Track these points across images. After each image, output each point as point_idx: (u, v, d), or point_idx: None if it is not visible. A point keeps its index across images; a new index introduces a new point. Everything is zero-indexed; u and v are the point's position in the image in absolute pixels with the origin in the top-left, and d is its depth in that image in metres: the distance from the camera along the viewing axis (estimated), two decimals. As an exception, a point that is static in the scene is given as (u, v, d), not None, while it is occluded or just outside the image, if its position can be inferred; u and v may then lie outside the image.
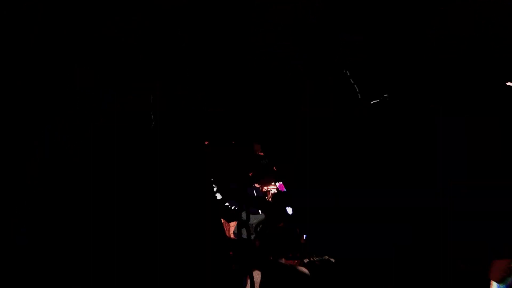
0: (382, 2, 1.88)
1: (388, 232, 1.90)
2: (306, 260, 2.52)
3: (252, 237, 2.75)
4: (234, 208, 2.78)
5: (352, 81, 1.92)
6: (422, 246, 1.88)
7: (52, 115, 1.87)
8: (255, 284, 2.27)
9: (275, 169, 2.63)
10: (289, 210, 2.67)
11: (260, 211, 2.96)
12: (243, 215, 2.70)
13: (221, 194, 2.69)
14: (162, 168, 1.99)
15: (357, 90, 1.97)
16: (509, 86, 1.83)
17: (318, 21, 1.95)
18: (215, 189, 2.64)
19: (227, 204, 2.82)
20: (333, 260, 2.39)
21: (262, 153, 2.60)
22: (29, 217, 1.70)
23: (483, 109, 1.87)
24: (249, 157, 2.58)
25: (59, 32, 1.89)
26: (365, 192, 1.95)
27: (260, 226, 2.84)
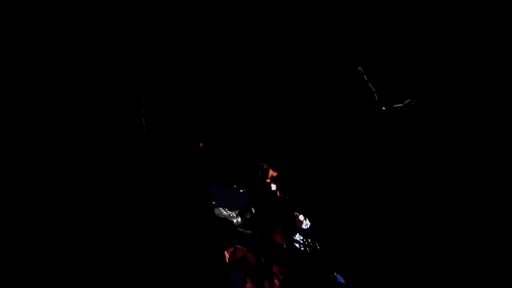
0: None
1: (388, 230, 1.91)
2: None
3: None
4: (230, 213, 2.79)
5: (366, 79, 1.93)
6: (421, 245, 1.88)
7: (52, 115, 1.87)
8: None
9: (274, 169, 2.63)
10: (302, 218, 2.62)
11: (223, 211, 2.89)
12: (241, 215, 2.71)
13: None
14: (162, 168, 1.99)
15: (366, 91, 1.97)
16: (509, 85, 1.83)
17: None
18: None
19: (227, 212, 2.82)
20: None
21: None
22: (29, 217, 1.70)
23: (482, 108, 1.87)
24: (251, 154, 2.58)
25: (59, 32, 1.89)
26: (365, 191, 1.95)
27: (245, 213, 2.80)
